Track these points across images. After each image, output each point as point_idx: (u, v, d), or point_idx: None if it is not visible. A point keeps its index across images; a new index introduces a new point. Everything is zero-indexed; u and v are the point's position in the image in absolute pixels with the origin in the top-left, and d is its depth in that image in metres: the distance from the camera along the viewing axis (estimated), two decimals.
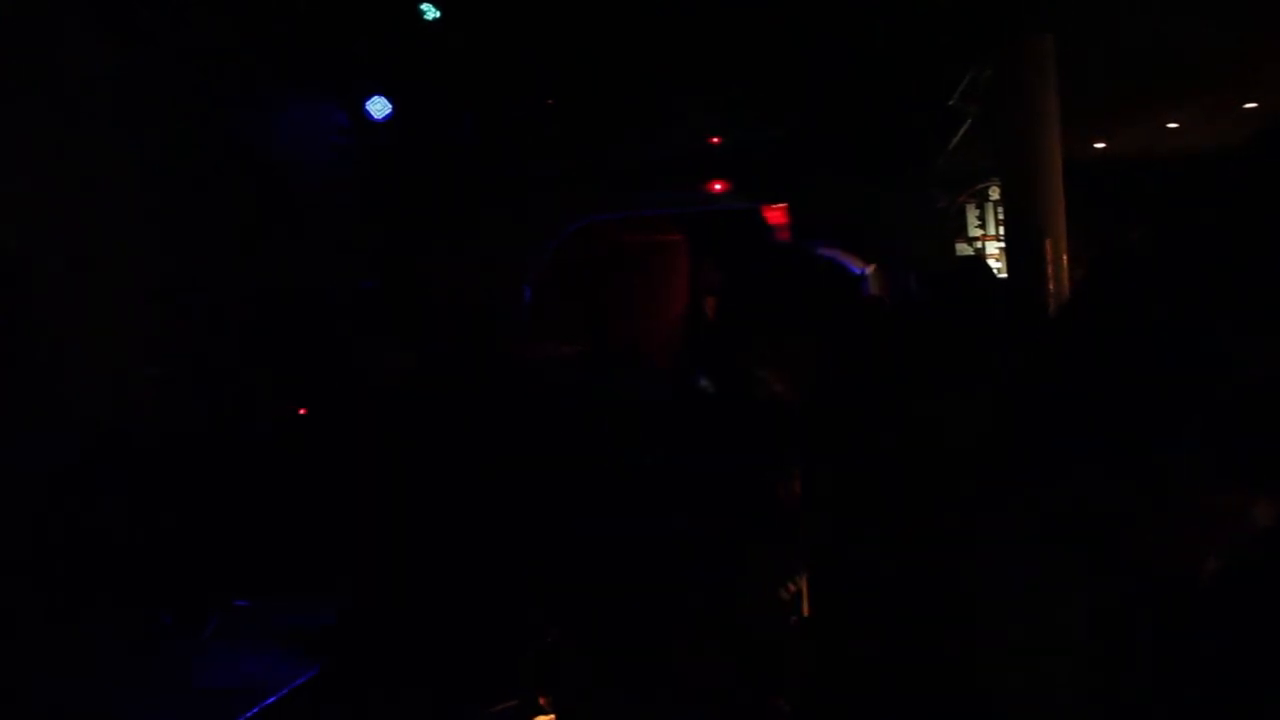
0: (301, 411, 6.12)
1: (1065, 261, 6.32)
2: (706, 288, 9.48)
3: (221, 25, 5.93)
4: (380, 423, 4.91)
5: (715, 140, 9.25)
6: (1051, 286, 5.98)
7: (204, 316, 5.69)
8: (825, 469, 1.72)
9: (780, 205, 10.14)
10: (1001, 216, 9.72)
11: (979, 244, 10.34)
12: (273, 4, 6.31)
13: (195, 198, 5.74)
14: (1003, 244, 9.68)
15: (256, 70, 6.42)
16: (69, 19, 5.03)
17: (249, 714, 3.99)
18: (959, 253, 10.25)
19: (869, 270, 10.84)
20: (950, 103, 7.49)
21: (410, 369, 5.06)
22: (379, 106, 7.36)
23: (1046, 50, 6.23)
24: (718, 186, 9.81)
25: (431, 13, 6.67)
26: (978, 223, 10.35)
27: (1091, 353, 1.06)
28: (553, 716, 2.94)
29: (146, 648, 4.83)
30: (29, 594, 4.26)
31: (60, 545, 4.44)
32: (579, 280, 10.83)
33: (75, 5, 5.10)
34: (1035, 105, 6.29)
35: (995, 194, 10.04)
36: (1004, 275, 7.86)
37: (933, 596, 1.42)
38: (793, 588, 2.47)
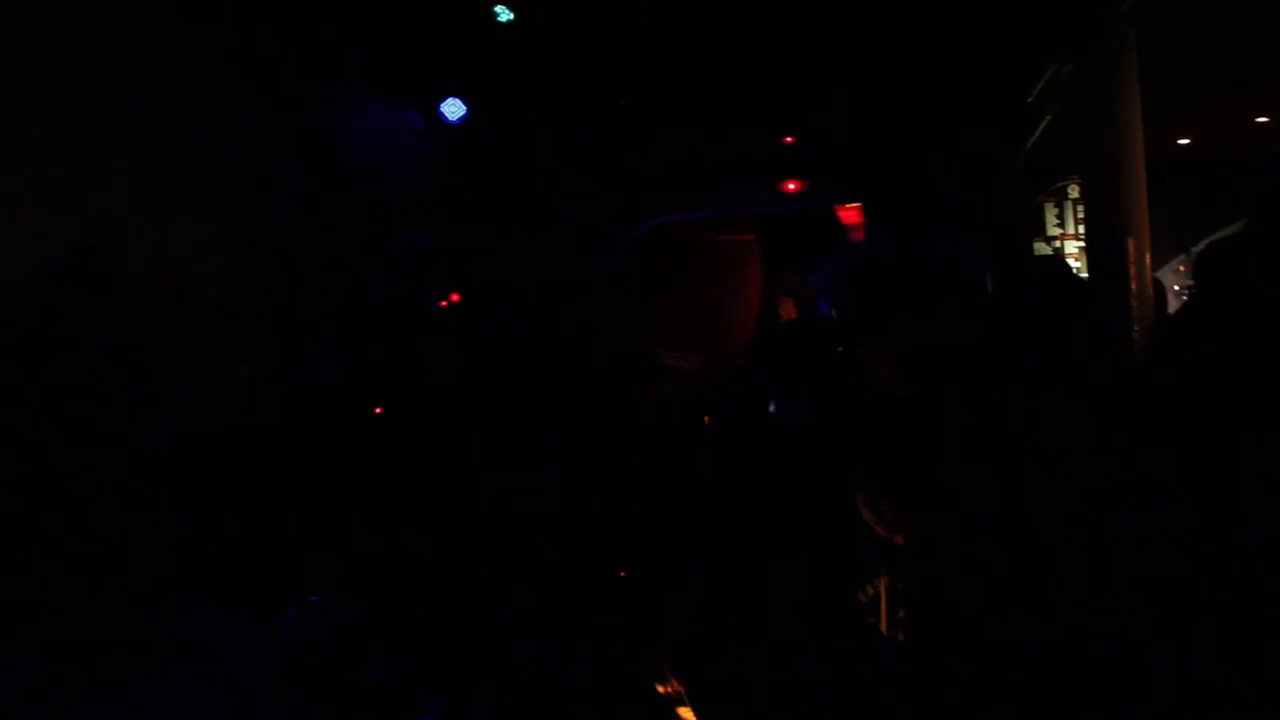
0: (378, 411, 6.19)
1: (1148, 261, 6.18)
2: (783, 288, 9.44)
3: (304, 30, 6.04)
4: (438, 418, 4.97)
5: (789, 139, 9.21)
6: (1134, 286, 5.84)
7: (286, 317, 5.80)
8: (933, 463, 1.71)
9: (854, 204, 10.07)
10: (1081, 215, 9.56)
11: (1058, 243, 10.18)
12: (350, 7, 6.41)
13: (278, 200, 5.85)
14: (1082, 243, 9.52)
15: (337, 74, 6.52)
16: (156, 24, 5.14)
17: (327, 706, 4.04)
18: (1037, 252, 10.10)
19: None
20: (1029, 100, 7.38)
21: (459, 365, 5.12)
22: (454, 108, 7.43)
23: (1128, 45, 6.10)
24: (791, 185, 9.76)
25: (505, 14, 6.73)
26: (1056, 222, 10.19)
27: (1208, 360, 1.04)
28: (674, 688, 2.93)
29: (224, 641, 4.91)
30: (111, 587, 4.35)
31: (145, 540, 4.54)
32: (650, 279, 10.84)
33: (163, 10, 5.21)
34: (1116, 101, 6.15)
35: (1075, 192, 9.87)
36: (1084, 275, 7.73)
37: (1032, 603, 1.40)
38: (871, 590, 2.44)
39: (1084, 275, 7.68)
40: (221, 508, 5.07)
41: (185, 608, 4.56)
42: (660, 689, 2.89)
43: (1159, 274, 7.34)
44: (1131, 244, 6.08)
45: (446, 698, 4.00)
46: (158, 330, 4.83)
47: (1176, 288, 9.04)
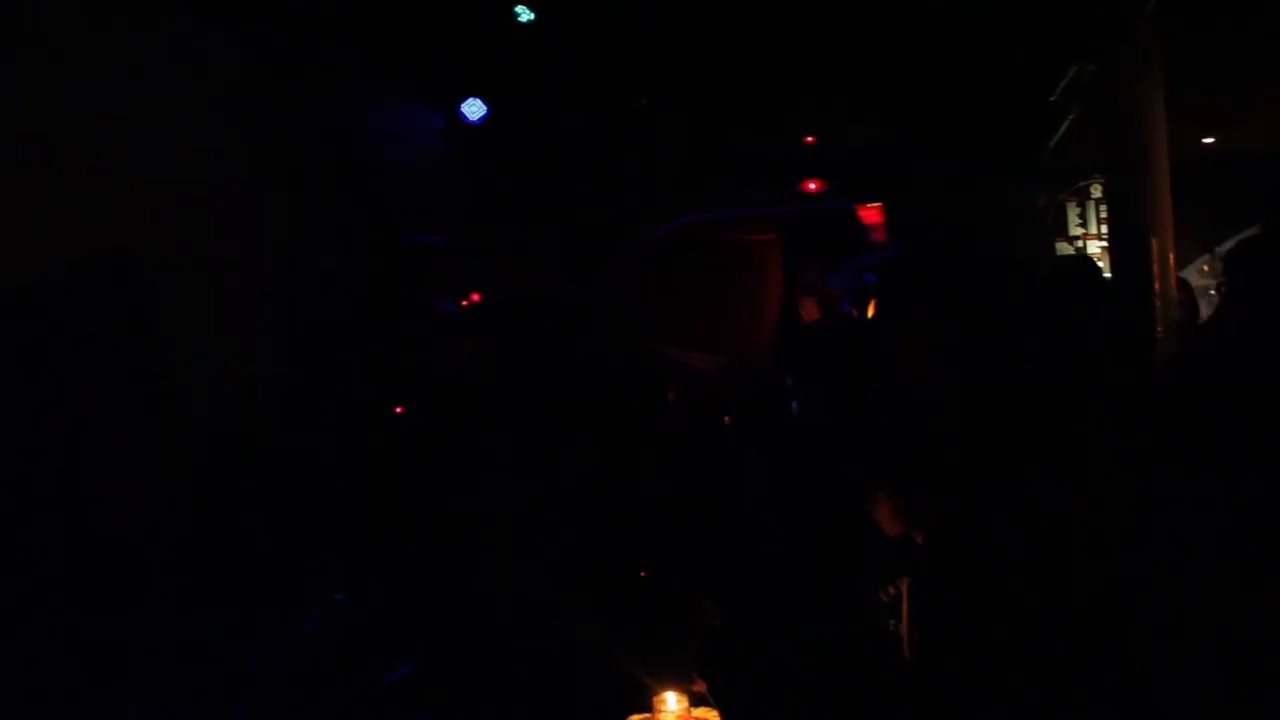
0: (398, 410, 6.21)
1: (1172, 261, 6.14)
2: (804, 287, 9.43)
3: (323, 28, 6.05)
4: (457, 411, 4.97)
5: (809, 139, 9.19)
6: (1158, 287, 5.81)
7: (309, 317, 5.81)
8: (962, 464, 1.70)
9: (875, 204, 10.04)
10: (1104, 215, 9.51)
11: (1080, 243, 10.13)
12: (369, 5, 6.42)
13: (289, 199, 5.87)
14: (1105, 243, 9.47)
15: (359, 73, 6.54)
16: (174, 20, 5.16)
17: (354, 701, 4.06)
18: (1059, 252, 10.05)
19: None
20: (1051, 99, 7.34)
21: (471, 356, 5.12)
22: (474, 108, 7.44)
23: (1152, 43, 6.06)
24: (812, 185, 9.73)
25: (526, 14, 6.74)
26: (1079, 221, 10.13)
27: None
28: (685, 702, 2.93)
29: (247, 640, 4.92)
30: (137, 589, 4.37)
31: (170, 543, 4.56)
32: (670, 279, 10.83)
33: (175, 5, 5.23)
34: (1140, 100, 6.12)
35: (1097, 192, 9.82)
36: (1107, 275, 7.68)
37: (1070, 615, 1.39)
38: (893, 590, 2.43)
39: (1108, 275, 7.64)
40: (238, 507, 5.09)
41: (190, 607, 4.58)
42: (681, 690, 2.89)
43: (1183, 274, 7.29)
44: (1155, 244, 6.04)
45: (451, 696, 4.01)
46: (170, 329, 4.85)
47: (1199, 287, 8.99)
